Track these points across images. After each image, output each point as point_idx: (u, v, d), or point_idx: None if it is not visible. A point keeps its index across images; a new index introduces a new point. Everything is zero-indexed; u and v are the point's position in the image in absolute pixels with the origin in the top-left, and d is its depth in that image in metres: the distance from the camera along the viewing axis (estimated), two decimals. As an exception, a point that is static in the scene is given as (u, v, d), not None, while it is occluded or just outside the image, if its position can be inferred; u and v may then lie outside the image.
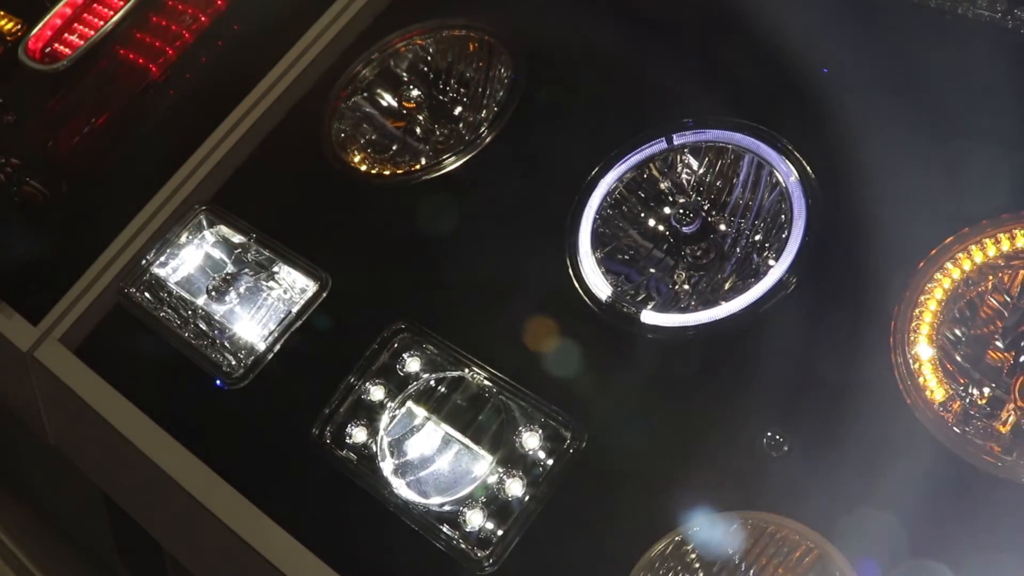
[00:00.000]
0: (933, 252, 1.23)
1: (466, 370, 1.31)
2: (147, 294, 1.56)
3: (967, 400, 1.18)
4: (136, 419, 1.52)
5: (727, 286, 1.40)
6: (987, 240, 1.23)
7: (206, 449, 1.43)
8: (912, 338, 1.20)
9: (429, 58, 1.69)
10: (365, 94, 1.69)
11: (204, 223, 1.59)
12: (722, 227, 1.44)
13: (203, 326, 1.49)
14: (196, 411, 1.50)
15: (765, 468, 1.20)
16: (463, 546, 1.21)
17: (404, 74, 1.68)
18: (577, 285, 1.37)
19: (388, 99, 1.69)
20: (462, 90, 1.69)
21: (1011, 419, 1.17)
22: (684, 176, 1.46)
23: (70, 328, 1.64)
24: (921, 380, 1.17)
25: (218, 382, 1.50)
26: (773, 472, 1.20)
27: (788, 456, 1.20)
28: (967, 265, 1.23)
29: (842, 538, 1.12)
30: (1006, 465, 1.12)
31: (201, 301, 1.52)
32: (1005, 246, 1.22)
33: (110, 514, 1.92)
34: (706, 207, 1.44)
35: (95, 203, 1.78)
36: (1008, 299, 1.23)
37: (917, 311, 1.21)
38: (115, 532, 1.93)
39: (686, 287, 1.42)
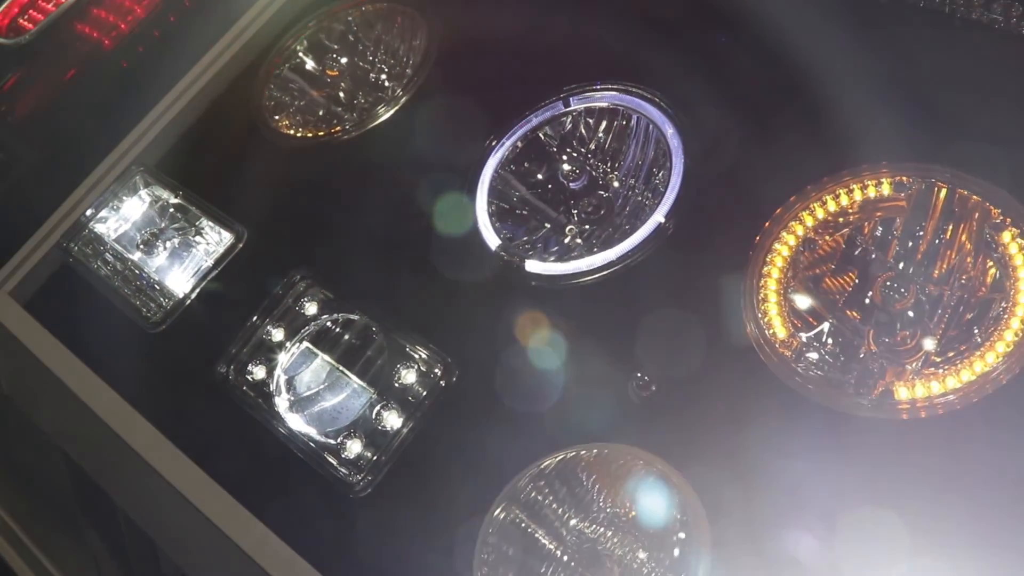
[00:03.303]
0: (792, 199, 1.30)
1: (357, 313, 1.40)
2: (85, 248, 1.66)
3: (818, 345, 1.24)
4: (74, 366, 1.63)
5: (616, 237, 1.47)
6: (841, 190, 1.29)
7: (130, 390, 1.54)
8: (762, 282, 1.26)
9: (356, 29, 1.78)
10: (295, 62, 1.79)
11: (140, 183, 1.69)
12: (615, 184, 1.51)
13: (131, 277, 1.59)
14: (125, 355, 1.60)
15: (629, 406, 1.27)
16: (342, 471, 1.30)
17: (332, 45, 1.78)
18: (470, 237, 1.46)
19: (315, 69, 1.78)
20: (391, 61, 1.78)
21: (862, 362, 1.23)
22: (579, 137, 1.54)
23: (20, 282, 1.76)
24: (766, 319, 1.24)
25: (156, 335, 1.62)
26: (637, 409, 1.27)
27: (654, 395, 1.27)
28: (821, 214, 1.29)
29: (687, 465, 1.19)
30: (850, 401, 1.18)
31: (132, 254, 1.62)
32: (858, 196, 1.29)
33: (67, 462, 2.03)
34: (600, 166, 1.51)
35: (50, 167, 1.90)
36: (861, 248, 1.29)
37: (770, 257, 1.28)
38: (72, 479, 2.04)
39: (578, 240, 1.49)
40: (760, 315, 1.24)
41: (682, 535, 1.17)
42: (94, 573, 2.15)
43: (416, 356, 1.33)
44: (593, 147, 1.52)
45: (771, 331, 1.23)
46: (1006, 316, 1.15)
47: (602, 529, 1.22)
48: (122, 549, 2.05)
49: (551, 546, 1.22)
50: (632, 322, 1.34)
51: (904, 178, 1.26)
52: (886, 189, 1.27)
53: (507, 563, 1.21)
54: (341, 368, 1.36)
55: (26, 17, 1.98)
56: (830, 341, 1.26)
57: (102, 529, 2.08)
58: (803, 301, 1.27)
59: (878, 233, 1.30)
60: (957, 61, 1.32)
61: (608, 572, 1.20)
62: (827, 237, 1.29)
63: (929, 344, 1.21)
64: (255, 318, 1.45)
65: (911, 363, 1.22)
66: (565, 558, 1.21)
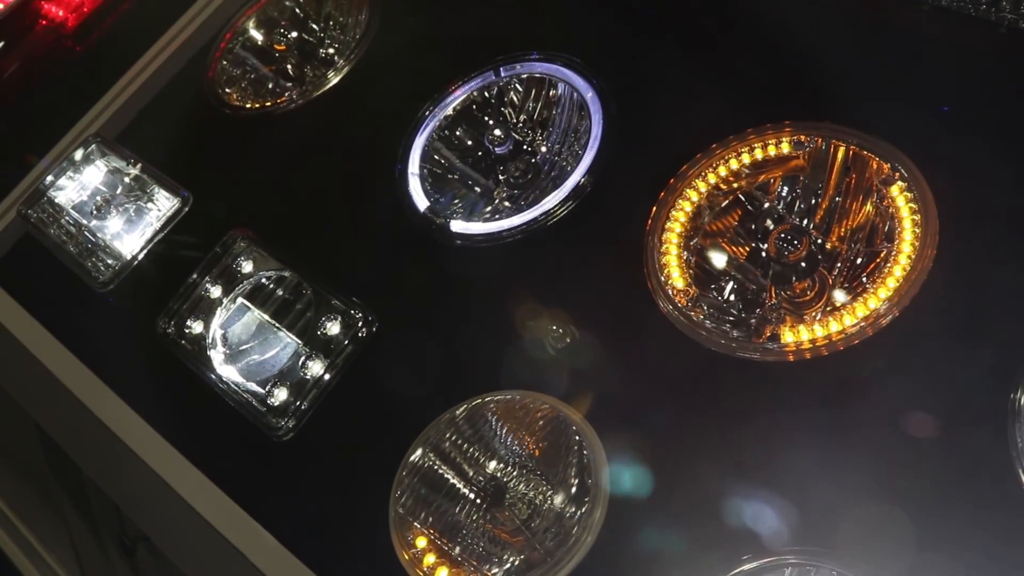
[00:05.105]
0: (698, 156, 1.36)
1: (289, 270, 1.47)
2: (43, 215, 1.74)
3: (718, 296, 1.30)
4: (34, 330, 1.70)
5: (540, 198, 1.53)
6: (744, 149, 1.34)
7: (82, 349, 1.61)
8: (664, 236, 1.32)
9: (305, 4, 1.86)
10: (246, 37, 1.86)
11: (96, 153, 1.77)
12: (543, 149, 1.57)
13: (84, 240, 1.67)
14: (77, 315, 1.68)
15: (545, 356, 1.33)
16: (270, 418, 1.37)
17: (281, 20, 1.85)
18: (401, 200, 1.52)
19: (264, 43, 1.86)
20: (342, 36, 1.85)
21: (761, 314, 1.29)
22: (510, 104, 1.60)
23: (-16, 251, 1.84)
24: (665, 272, 1.29)
25: (111, 300, 1.70)
26: (551, 360, 1.33)
27: (568, 346, 1.33)
28: (724, 171, 1.34)
29: (592, 409, 1.25)
30: (741, 346, 1.23)
31: (86, 220, 1.70)
32: (759, 154, 1.34)
33: (38, 429, 2.11)
34: (530, 133, 1.57)
35: (16, 141, 1.98)
36: (764, 204, 1.34)
37: (673, 212, 1.33)
38: (42, 444, 2.11)
39: (506, 204, 1.55)
40: (660, 267, 1.30)
41: (584, 476, 1.23)
42: (66, 538, 2.23)
43: (341, 309, 1.39)
44: (523, 115, 1.58)
45: (670, 282, 1.28)
46: (889, 264, 1.21)
47: (510, 470, 1.28)
48: (89, 511, 2.13)
49: (462, 486, 1.28)
50: (549, 278, 1.41)
51: (803, 136, 1.32)
52: (786, 147, 1.33)
53: (421, 503, 1.28)
54: (272, 321, 1.43)
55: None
56: (733, 296, 1.32)
57: (71, 492, 2.16)
58: (706, 254, 1.33)
59: (783, 192, 1.36)
60: (855, 25, 1.38)
61: (517, 511, 1.26)
62: (731, 195, 1.34)
63: (840, 296, 1.27)
64: (195, 276, 1.52)
65: (811, 313, 1.28)
66: (474, 497, 1.27)
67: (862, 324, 1.18)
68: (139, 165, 1.71)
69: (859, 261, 1.26)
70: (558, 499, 1.24)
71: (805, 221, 1.33)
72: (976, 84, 1.28)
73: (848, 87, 1.33)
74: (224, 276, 1.50)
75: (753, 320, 1.27)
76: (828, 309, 1.27)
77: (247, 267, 1.49)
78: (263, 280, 1.48)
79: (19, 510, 2.30)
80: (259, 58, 1.84)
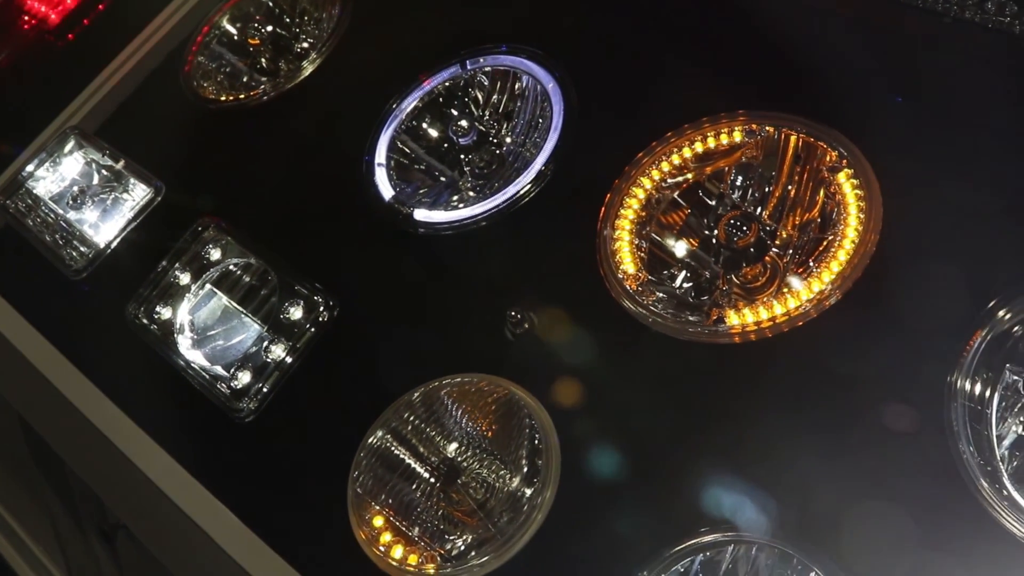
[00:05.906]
0: (654, 144, 1.38)
1: (255, 257, 1.50)
2: (20, 205, 1.77)
3: (670, 282, 1.32)
4: (12, 318, 1.74)
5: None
6: (698, 138, 1.37)
7: (57, 336, 1.64)
8: (617, 223, 1.34)
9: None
10: (222, 31, 1.89)
11: (74, 144, 1.80)
12: (508, 140, 1.60)
13: (60, 230, 1.70)
14: (54, 302, 1.71)
15: (502, 341, 1.36)
16: (233, 400, 1.40)
17: (256, 15, 1.88)
18: (367, 190, 1.55)
19: (239, 38, 1.89)
20: (316, 31, 1.88)
21: (712, 299, 1.31)
22: (475, 97, 1.63)
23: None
24: (616, 258, 1.32)
25: (85, 287, 1.73)
26: (508, 344, 1.35)
27: (525, 331, 1.36)
28: (677, 160, 1.37)
29: (545, 391, 1.28)
30: (689, 330, 1.26)
31: (62, 210, 1.73)
32: (712, 143, 1.36)
33: (21, 420, 2.14)
34: (495, 124, 1.60)
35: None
36: (716, 193, 1.37)
37: (627, 200, 1.36)
38: (25, 435, 2.14)
39: (471, 193, 1.58)
40: (612, 253, 1.32)
41: (537, 457, 1.26)
42: (48, 525, 2.26)
43: (304, 295, 1.42)
44: (489, 107, 1.61)
45: (622, 267, 1.31)
46: (834, 249, 1.23)
47: (465, 451, 1.31)
48: (71, 498, 2.16)
49: (418, 467, 1.31)
50: (509, 264, 1.44)
51: (754, 125, 1.34)
52: (738, 136, 1.35)
53: (379, 483, 1.31)
54: (238, 307, 1.46)
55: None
56: (685, 282, 1.34)
57: (52, 478, 2.19)
58: (659, 241, 1.35)
59: (737, 181, 1.38)
60: (804, 15, 1.40)
61: (472, 490, 1.29)
62: (685, 183, 1.37)
63: (794, 282, 1.29)
64: (164, 263, 1.55)
65: (763, 299, 1.30)
66: (430, 477, 1.30)
67: (807, 306, 1.21)
68: (115, 157, 1.74)
69: (807, 246, 1.28)
70: (511, 479, 1.26)
71: (758, 209, 1.36)
72: (923, 73, 1.31)
73: (799, 77, 1.36)
74: (193, 264, 1.53)
75: (703, 304, 1.30)
76: (779, 294, 1.29)
77: (215, 255, 1.52)
78: (231, 267, 1.51)
79: (3, 500, 2.33)
80: (234, 52, 1.87)
